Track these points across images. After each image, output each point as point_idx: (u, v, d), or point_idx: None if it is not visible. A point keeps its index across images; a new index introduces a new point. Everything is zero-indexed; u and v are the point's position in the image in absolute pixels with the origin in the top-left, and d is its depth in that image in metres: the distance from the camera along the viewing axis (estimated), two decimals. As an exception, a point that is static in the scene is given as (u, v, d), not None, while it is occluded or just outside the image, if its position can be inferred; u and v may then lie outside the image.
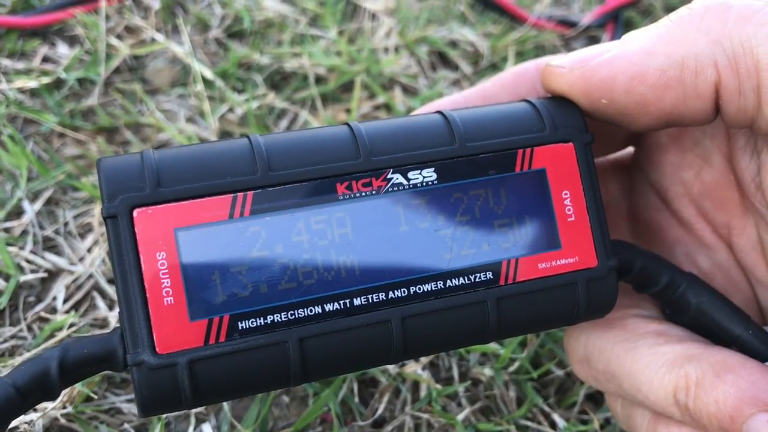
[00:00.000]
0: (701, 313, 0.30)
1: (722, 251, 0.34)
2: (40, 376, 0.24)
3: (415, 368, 0.40)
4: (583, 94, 0.29)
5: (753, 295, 0.34)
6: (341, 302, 0.26)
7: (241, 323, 0.25)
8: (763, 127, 0.27)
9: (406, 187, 0.27)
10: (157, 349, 0.24)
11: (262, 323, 0.25)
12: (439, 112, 0.29)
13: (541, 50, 0.65)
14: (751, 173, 0.31)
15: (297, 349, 0.25)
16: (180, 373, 0.24)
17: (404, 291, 0.27)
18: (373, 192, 0.27)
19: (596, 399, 0.42)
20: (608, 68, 0.28)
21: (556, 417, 0.40)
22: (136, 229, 0.24)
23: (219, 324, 0.25)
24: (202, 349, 0.24)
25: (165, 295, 0.24)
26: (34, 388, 0.24)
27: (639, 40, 0.28)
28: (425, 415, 0.39)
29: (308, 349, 0.26)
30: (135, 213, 0.24)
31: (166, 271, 0.24)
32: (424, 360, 0.41)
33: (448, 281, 0.27)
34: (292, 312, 0.25)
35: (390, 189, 0.27)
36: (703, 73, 0.26)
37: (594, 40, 0.68)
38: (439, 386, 0.40)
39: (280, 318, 0.25)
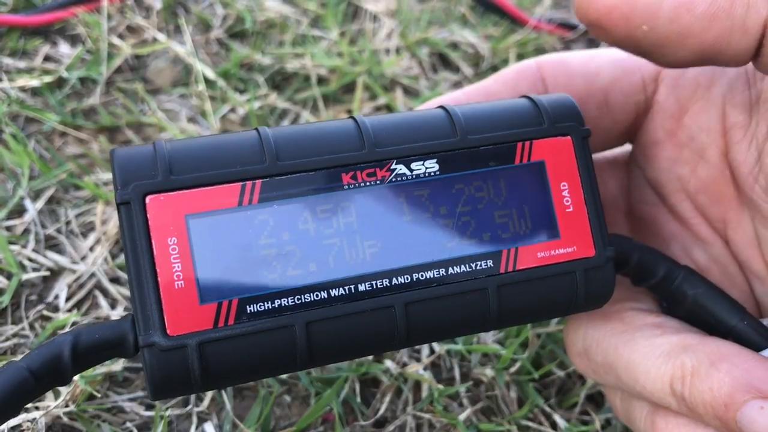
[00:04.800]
0: (697, 304, 0.31)
1: (718, 246, 0.34)
2: (54, 361, 0.25)
3: (416, 368, 0.40)
4: (623, 19, 0.27)
5: (749, 289, 0.34)
6: (346, 288, 0.26)
7: (250, 307, 0.25)
8: None
9: (409, 177, 0.28)
10: (168, 331, 0.25)
11: (270, 307, 0.26)
12: (441, 106, 0.30)
13: (541, 53, 0.65)
14: (748, 166, 0.31)
15: (303, 333, 0.26)
16: (190, 354, 0.25)
17: (407, 278, 0.27)
18: (377, 182, 0.27)
19: (597, 400, 0.42)
20: None
21: (557, 417, 0.40)
22: (148, 215, 0.25)
23: (228, 307, 0.25)
24: (211, 331, 0.25)
25: (176, 279, 0.25)
26: (48, 372, 0.25)
27: None
28: (427, 415, 0.39)
29: (314, 332, 0.26)
30: (147, 199, 0.25)
31: (177, 255, 0.25)
32: (425, 360, 0.41)
33: (450, 269, 0.28)
34: (299, 297, 0.26)
35: (393, 179, 0.28)
36: (756, 7, 0.25)
37: (594, 43, 0.68)
38: (440, 386, 0.40)
39: (287, 302, 0.26)
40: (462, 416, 0.39)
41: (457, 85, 0.61)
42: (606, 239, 0.30)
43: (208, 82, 0.54)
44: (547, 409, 0.40)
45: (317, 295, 0.26)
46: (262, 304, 0.26)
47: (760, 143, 0.30)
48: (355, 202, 0.27)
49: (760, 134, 0.30)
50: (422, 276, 0.27)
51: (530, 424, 0.39)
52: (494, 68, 0.63)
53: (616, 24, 0.27)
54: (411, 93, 0.59)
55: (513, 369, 0.41)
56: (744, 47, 0.26)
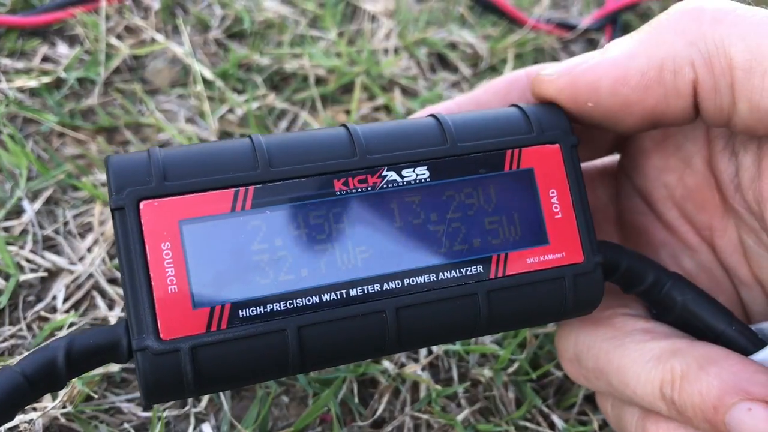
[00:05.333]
0: (686, 310, 0.31)
1: (705, 252, 0.34)
2: (48, 366, 0.25)
3: (414, 369, 0.40)
4: (570, 98, 0.30)
5: (737, 295, 0.34)
6: (338, 293, 0.27)
7: (242, 311, 0.26)
8: (739, 124, 0.28)
9: (400, 184, 0.28)
10: (161, 335, 0.25)
11: (262, 312, 0.26)
12: (432, 115, 0.30)
13: (540, 53, 0.65)
14: (729, 175, 0.32)
15: (295, 337, 0.26)
16: (183, 358, 0.25)
17: (398, 283, 0.27)
18: (369, 188, 0.28)
19: (595, 400, 0.42)
20: (593, 73, 0.29)
21: (555, 418, 0.40)
22: (142, 220, 0.25)
23: (221, 312, 0.25)
24: (204, 335, 0.25)
25: (169, 283, 0.25)
26: (42, 377, 0.25)
27: (621, 46, 0.29)
28: (425, 416, 0.39)
29: (306, 337, 0.26)
30: (141, 205, 0.25)
31: (171, 260, 0.25)
32: (423, 361, 0.41)
33: (440, 274, 0.28)
34: (291, 301, 0.26)
35: (385, 186, 0.28)
36: (681, 72, 0.28)
37: (592, 43, 0.68)
38: (438, 387, 0.40)
39: (279, 307, 0.26)
40: (460, 417, 0.39)
41: (455, 85, 0.61)
42: (595, 245, 0.30)
43: (207, 83, 0.55)
44: (545, 409, 0.40)
45: (309, 300, 0.26)
46: (254, 308, 0.26)
47: (739, 152, 0.31)
48: (346, 208, 0.27)
49: (738, 143, 0.31)
50: (413, 281, 0.28)
51: (528, 424, 0.39)
52: (493, 68, 0.63)
53: (566, 103, 0.31)
54: (409, 93, 0.59)
55: (511, 369, 0.41)
56: (682, 108, 0.28)
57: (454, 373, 0.41)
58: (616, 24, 0.68)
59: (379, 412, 0.39)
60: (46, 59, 0.54)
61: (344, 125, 0.29)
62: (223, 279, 0.26)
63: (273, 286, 0.26)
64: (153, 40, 0.57)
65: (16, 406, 0.25)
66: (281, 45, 0.59)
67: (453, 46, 0.64)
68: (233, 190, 0.26)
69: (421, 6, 0.68)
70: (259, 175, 0.26)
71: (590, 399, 0.42)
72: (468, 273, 0.28)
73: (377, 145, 0.28)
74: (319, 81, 0.57)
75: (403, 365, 0.41)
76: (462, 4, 0.68)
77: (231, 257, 0.26)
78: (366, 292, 0.27)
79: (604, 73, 0.29)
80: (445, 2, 0.68)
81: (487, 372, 0.41)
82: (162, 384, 0.25)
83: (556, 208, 0.30)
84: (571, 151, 0.30)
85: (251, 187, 0.26)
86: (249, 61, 0.57)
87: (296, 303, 0.26)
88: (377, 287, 0.27)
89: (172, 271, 0.25)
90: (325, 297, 0.27)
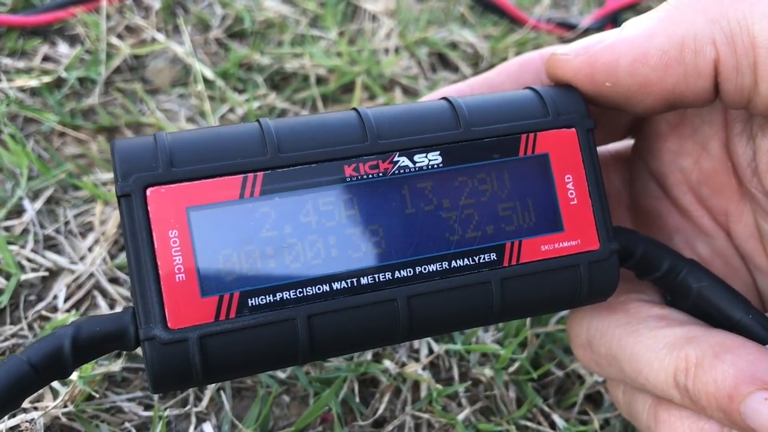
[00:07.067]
0: (702, 298, 0.31)
1: (721, 238, 0.34)
2: (54, 354, 0.25)
3: (415, 368, 0.40)
4: (587, 79, 0.29)
5: (752, 282, 0.34)
6: (348, 281, 0.26)
7: (251, 300, 0.25)
8: (759, 105, 0.27)
9: (412, 169, 0.28)
10: (168, 325, 0.24)
11: (272, 300, 0.26)
12: (444, 98, 0.30)
13: (540, 52, 0.65)
14: (747, 159, 0.31)
15: (305, 326, 0.26)
16: (191, 348, 0.25)
17: (410, 271, 0.27)
18: (380, 174, 0.27)
19: (596, 399, 0.42)
20: (611, 52, 0.28)
21: (555, 417, 0.40)
22: (149, 208, 0.25)
23: (229, 300, 0.25)
24: (212, 324, 0.25)
25: (177, 271, 0.25)
26: (48, 365, 0.25)
27: (640, 24, 0.29)
28: (426, 415, 0.39)
29: (316, 326, 0.26)
30: (148, 192, 0.25)
31: (178, 248, 0.25)
32: (424, 360, 0.41)
33: (453, 262, 0.28)
34: (301, 290, 0.26)
35: (396, 171, 0.27)
36: (703, 51, 0.27)
37: (593, 43, 0.68)
38: (439, 386, 0.40)
39: (289, 296, 0.26)
40: (461, 416, 0.39)
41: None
42: (610, 232, 0.29)
43: (207, 82, 0.54)
44: (546, 408, 0.40)
45: (319, 289, 0.26)
46: (263, 297, 0.25)
47: (756, 135, 0.30)
48: (357, 194, 0.27)
49: (756, 126, 0.31)
50: (425, 269, 0.27)
51: (529, 423, 0.39)
52: (493, 68, 0.62)
53: (583, 83, 0.30)
54: (410, 93, 0.59)
55: (512, 369, 0.41)
56: (702, 88, 0.28)
57: (455, 373, 0.41)
58: (617, 23, 0.68)
59: (380, 411, 0.39)
60: (46, 59, 0.54)
61: (355, 109, 0.28)
62: (231, 267, 0.25)
63: (282, 274, 0.26)
64: (154, 40, 0.57)
65: (22, 394, 0.24)
66: (282, 44, 0.59)
67: (454, 45, 0.64)
68: (242, 176, 0.26)
69: (421, 5, 0.68)
70: (268, 161, 0.26)
71: (591, 398, 0.42)
72: (481, 261, 0.28)
73: (388, 130, 0.28)
74: (320, 80, 0.57)
75: (404, 365, 0.41)
76: (462, 3, 0.68)
77: (240, 245, 0.25)
78: (377, 280, 0.27)
79: (623, 52, 0.28)
80: (446, 2, 0.68)
81: (487, 371, 0.41)
82: (170, 373, 0.25)
83: (571, 194, 0.29)
84: (587, 135, 0.30)
85: (260, 173, 0.26)
86: (250, 61, 0.57)
87: (306, 291, 0.26)
88: (388, 275, 0.27)
89: (179, 259, 0.25)
90: (336, 285, 0.26)
